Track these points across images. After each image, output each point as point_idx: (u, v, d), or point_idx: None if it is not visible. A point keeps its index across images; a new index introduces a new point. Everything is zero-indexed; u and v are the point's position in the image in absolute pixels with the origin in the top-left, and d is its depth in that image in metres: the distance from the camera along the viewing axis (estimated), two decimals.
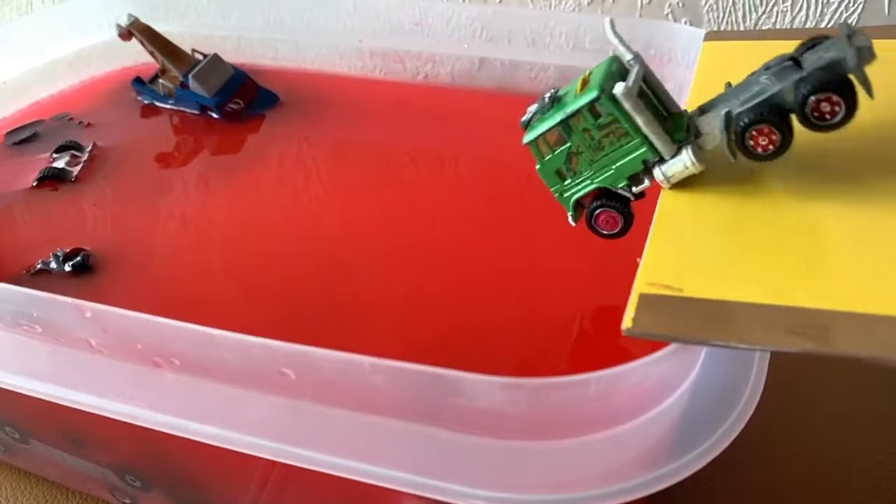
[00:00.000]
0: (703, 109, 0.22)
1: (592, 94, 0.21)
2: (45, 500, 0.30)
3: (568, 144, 0.22)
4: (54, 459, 0.29)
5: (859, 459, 0.28)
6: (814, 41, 0.21)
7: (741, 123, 0.20)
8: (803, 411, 0.30)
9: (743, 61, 0.23)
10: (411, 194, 0.32)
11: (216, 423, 0.20)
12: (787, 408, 0.29)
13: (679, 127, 0.22)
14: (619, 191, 0.23)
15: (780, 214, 0.21)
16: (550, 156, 0.23)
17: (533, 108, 0.23)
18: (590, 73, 0.22)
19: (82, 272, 0.29)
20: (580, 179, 0.23)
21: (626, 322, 0.18)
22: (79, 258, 0.29)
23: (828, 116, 0.19)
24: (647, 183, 0.22)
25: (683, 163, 0.21)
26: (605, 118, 0.21)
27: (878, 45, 0.20)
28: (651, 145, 0.21)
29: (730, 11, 0.38)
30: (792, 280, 0.19)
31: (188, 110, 0.39)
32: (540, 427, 0.19)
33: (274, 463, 0.20)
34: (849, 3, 0.36)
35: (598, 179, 0.22)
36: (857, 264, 0.19)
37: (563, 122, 0.22)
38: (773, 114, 0.20)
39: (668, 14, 0.39)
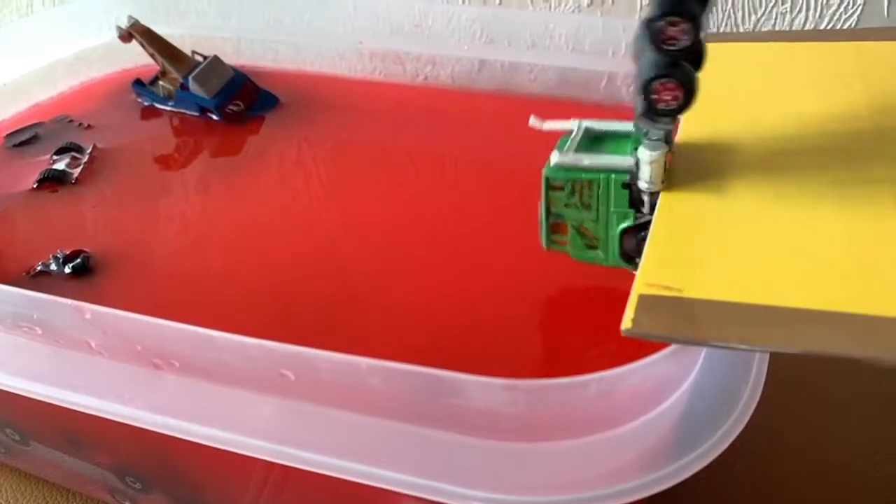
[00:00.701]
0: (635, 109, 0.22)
1: (544, 177, 0.23)
2: (45, 501, 0.30)
3: (569, 225, 0.23)
4: (54, 461, 0.29)
5: (859, 460, 0.28)
6: None
7: (642, 88, 0.20)
8: (803, 412, 0.30)
9: (742, 63, 0.23)
10: (411, 196, 0.32)
11: (216, 425, 0.20)
12: (787, 409, 0.29)
13: (634, 138, 0.23)
14: (639, 220, 0.23)
15: (779, 215, 0.21)
16: (569, 244, 0.24)
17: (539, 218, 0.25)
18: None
19: (82, 274, 0.29)
20: (605, 240, 0.24)
21: (626, 323, 0.18)
22: (79, 260, 0.29)
23: (680, 37, 0.19)
24: (647, 199, 0.22)
25: (644, 160, 0.21)
26: (567, 186, 0.22)
27: (878, 46, 0.20)
28: (611, 170, 0.22)
29: (729, 13, 0.38)
30: (792, 280, 0.19)
31: (188, 112, 0.39)
32: (539, 428, 0.19)
33: (273, 464, 0.20)
34: (848, 4, 0.36)
35: (614, 227, 0.23)
36: (857, 265, 0.19)
37: (549, 214, 0.24)
38: (663, 67, 0.20)
39: None
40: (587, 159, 0.22)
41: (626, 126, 0.24)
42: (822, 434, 0.29)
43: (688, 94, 0.20)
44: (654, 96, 0.20)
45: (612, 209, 0.23)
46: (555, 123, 0.25)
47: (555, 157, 0.22)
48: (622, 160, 0.22)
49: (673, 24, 0.19)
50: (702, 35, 0.19)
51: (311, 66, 0.43)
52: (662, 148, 0.21)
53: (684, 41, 0.19)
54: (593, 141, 0.24)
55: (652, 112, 0.20)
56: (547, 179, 0.23)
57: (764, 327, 0.18)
